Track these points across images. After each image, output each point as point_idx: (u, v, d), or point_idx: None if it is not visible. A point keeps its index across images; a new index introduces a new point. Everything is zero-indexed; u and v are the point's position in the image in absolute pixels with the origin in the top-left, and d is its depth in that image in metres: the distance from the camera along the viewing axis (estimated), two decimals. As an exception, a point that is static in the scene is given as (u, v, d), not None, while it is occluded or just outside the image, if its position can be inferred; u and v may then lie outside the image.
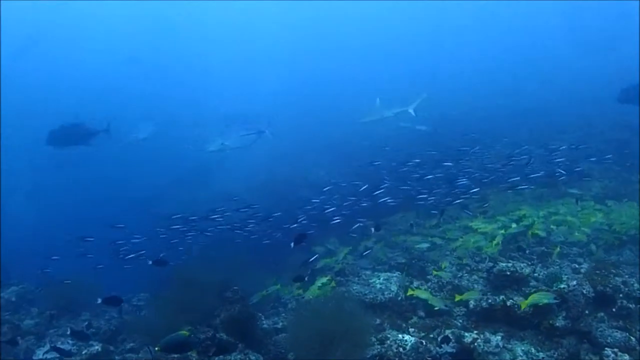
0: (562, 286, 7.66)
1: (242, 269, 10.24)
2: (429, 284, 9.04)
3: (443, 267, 9.18)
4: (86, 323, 10.57)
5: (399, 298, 8.55)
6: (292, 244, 8.34)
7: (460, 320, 7.84)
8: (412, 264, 10.14)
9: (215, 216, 12.45)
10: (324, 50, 52.41)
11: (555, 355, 7.05)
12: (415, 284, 8.85)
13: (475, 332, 7.26)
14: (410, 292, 8.24)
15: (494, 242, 9.27)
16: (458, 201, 11.63)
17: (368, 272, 9.71)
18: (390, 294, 8.56)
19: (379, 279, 9.01)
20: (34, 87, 40.13)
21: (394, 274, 9.31)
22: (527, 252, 9.65)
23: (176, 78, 46.26)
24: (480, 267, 8.84)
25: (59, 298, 11.34)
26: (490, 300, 7.58)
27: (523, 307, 7.23)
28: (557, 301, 7.31)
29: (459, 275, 8.82)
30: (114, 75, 45.44)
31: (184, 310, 8.79)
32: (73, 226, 18.02)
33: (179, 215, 12.51)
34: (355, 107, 18.94)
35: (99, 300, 8.29)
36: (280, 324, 8.88)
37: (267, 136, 16.08)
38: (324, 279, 9.34)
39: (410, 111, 16.87)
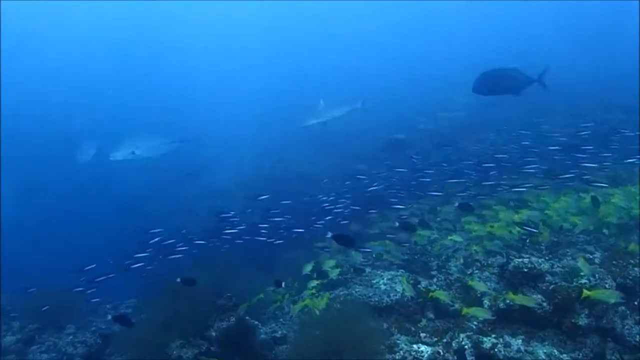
0: (582, 281, 7.11)
1: (238, 271, 9.55)
2: (435, 280, 8.48)
3: (460, 262, 8.59)
4: (70, 337, 9.95)
5: (406, 299, 7.96)
6: (329, 235, 7.56)
7: (475, 322, 7.25)
8: (414, 260, 9.59)
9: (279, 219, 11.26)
10: (312, 46, 52.10)
11: (579, 357, 6.51)
12: (424, 283, 8.23)
13: (493, 335, 6.69)
14: (430, 295, 7.56)
15: (515, 230, 8.58)
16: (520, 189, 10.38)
17: (368, 270, 9.13)
18: (396, 295, 7.96)
19: (383, 279, 8.41)
20: (29, 84, 39.47)
21: (398, 273, 8.71)
22: (528, 242, 9.01)
23: (170, 78, 45.79)
24: (490, 263, 8.24)
25: (43, 310, 10.63)
26: (508, 301, 7.00)
27: (584, 295, 6.53)
28: (623, 301, 6.71)
29: (468, 272, 8.22)
30: (105, 72, 44.84)
31: (175, 319, 8.21)
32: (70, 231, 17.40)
33: (229, 214, 11.26)
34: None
35: (109, 317, 7.59)
36: (280, 332, 8.29)
37: (189, 146, 15.08)
38: (313, 284, 8.75)
39: (360, 107, 16.28)
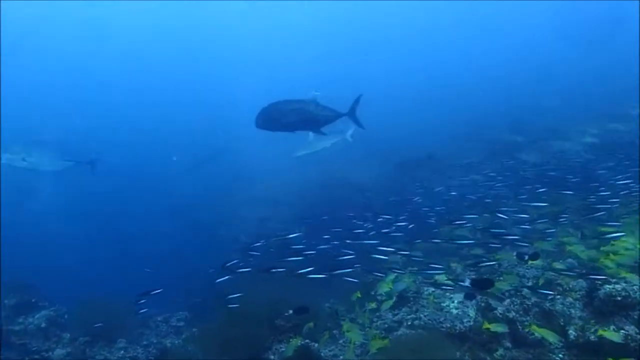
0: (683, 313, 6.42)
1: (298, 288, 8.96)
2: (508, 303, 7.78)
3: (540, 282, 7.89)
4: (122, 352, 9.71)
5: (479, 325, 7.36)
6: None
7: (560, 355, 6.63)
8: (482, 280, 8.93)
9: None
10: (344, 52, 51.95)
11: (680, 398, 5.86)
12: (500, 309, 7.57)
13: (583, 372, 6.08)
14: (532, 329, 6.82)
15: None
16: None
17: (432, 290, 8.50)
18: (469, 321, 7.39)
19: (453, 302, 7.84)
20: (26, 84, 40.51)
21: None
22: None
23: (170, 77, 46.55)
24: (572, 287, 7.54)
25: (92, 321, 10.37)
26: (600, 332, 6.36)
27: None
28: None
29: (549, 297, 7.54)
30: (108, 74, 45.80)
31: (230, 339, 7.86)
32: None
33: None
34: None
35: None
36: (341, 356, 7.80)
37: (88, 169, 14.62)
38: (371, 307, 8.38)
39: (349, 138, 15.97)
